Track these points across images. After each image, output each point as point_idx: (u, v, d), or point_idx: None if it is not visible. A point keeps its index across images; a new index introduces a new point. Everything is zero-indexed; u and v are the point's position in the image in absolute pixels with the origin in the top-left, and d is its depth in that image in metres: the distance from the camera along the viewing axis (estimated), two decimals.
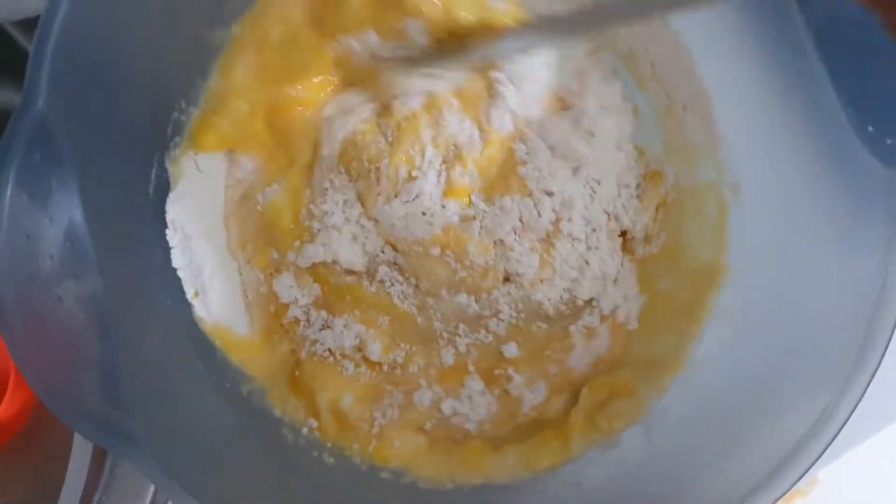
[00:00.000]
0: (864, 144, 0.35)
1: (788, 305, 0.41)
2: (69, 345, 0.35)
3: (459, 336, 0.47)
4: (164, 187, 0.44)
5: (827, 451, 0.36)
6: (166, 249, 0.44)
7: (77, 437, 0.47)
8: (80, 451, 0.47)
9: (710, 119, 0.45)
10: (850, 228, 0.38)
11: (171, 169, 0.45)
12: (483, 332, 0.47)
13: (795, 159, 0.40)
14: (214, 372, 0.44)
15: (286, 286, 0.47)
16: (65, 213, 0.36)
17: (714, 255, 0.45)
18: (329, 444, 0.45)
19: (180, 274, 0.44)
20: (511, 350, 0.47)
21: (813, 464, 0.35)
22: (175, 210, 0.44)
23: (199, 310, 0.45)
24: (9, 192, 0.34)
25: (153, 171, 0.44)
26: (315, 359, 0.47)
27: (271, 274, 0.47)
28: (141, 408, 0.36)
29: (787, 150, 0.40)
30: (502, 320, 0.47)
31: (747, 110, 0.42)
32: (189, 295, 0.44)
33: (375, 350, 0.46)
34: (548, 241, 0.46)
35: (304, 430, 0.45)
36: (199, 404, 0.42)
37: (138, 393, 0.36)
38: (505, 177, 0.46)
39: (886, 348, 0.36)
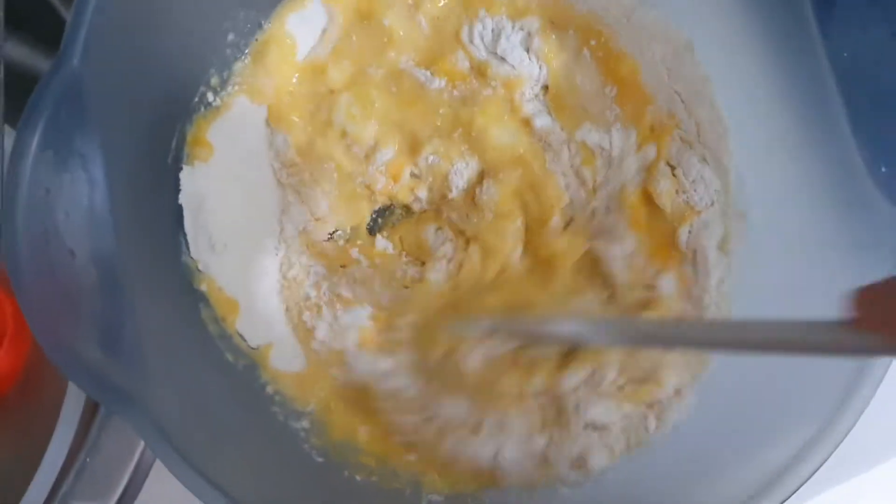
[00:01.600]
0: (876, 184, 0.35)
1: None
2: (77, 298, 0.36)
3: None
4: (182, 155, 0.45)
5: (811, 486, 0.36)
6: (180, 215, 0.44)
7: (67, 397, 0.48)
8: (71, 410, 0.47)
9: (725, 150, 0.45)
10: (856, 265, 0.38)
11: (189, 139, 0.45)
12: None
13: (805, 192, 0.40)
14: (214, 340, 0.44)
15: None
16: (85, 172, 0.37)
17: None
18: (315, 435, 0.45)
19: (190, 240, 0.45)
20: None
21: (789, 496, 0.35)
22: (190, 177, 0.45)
23: (206, 277, 0.45)
24: (34, 145, 0.34)
25: (174, 139, 0.45)
26: None
27: None
28: (140, 366, 0.36)
29: (798, 183, 0.41)
30: None
31: (762, 141, 0.43)
32: (196, 261, 0.45)
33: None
34: None
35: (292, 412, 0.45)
36: (197, 369, 0.42)
37: (139, 351, 0.37)
38: None
39: (878, 386, 0.36)
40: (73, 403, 0.47)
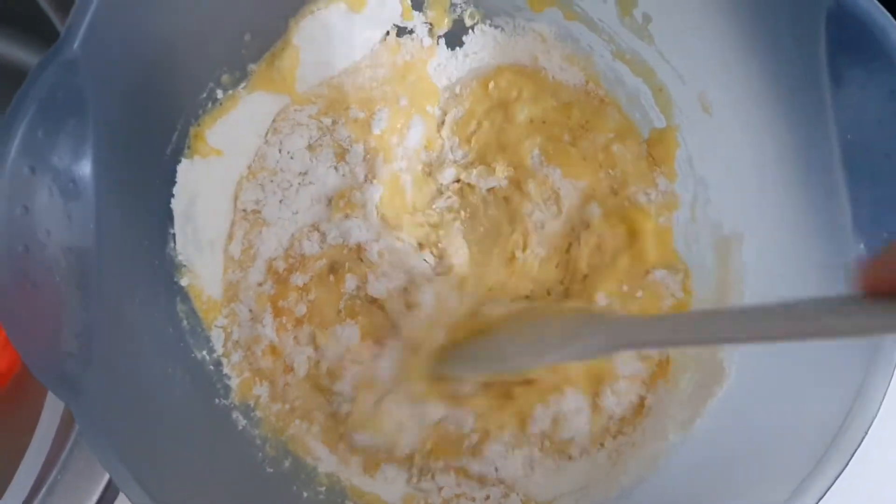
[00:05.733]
0: None
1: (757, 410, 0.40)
2: (53, 299, 0.35)
3: None
4: (183, 148, 0.45)
5: None
6: (169, 213, 0.45)
7: (44, 414, 0.48)
8: (46, 427, 0.48)
9: None
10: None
11: (192, 133, 0.46)
12: None
13: (796, 276, 0.39)
14: (185, 336, 0.44)
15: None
16: (71, 167, 0.36)
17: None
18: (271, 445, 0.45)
19: (177, 233, 0.45)
20: None
21: None
22: (187, 171, 0.45)
23: (188, 272, 0.45)
24: (21, 132, 0.34)
25: (176, 132, 0.45)
26: None
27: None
28: (101, 361, 0.36)
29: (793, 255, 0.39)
30: None
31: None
32: (181, 255, 0.45)
33: None
34: None
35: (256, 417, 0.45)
36: (162, 363, 0.42)
37: (102, 346, 0.36)
38: None
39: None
40: (48, 421, 0.48)
